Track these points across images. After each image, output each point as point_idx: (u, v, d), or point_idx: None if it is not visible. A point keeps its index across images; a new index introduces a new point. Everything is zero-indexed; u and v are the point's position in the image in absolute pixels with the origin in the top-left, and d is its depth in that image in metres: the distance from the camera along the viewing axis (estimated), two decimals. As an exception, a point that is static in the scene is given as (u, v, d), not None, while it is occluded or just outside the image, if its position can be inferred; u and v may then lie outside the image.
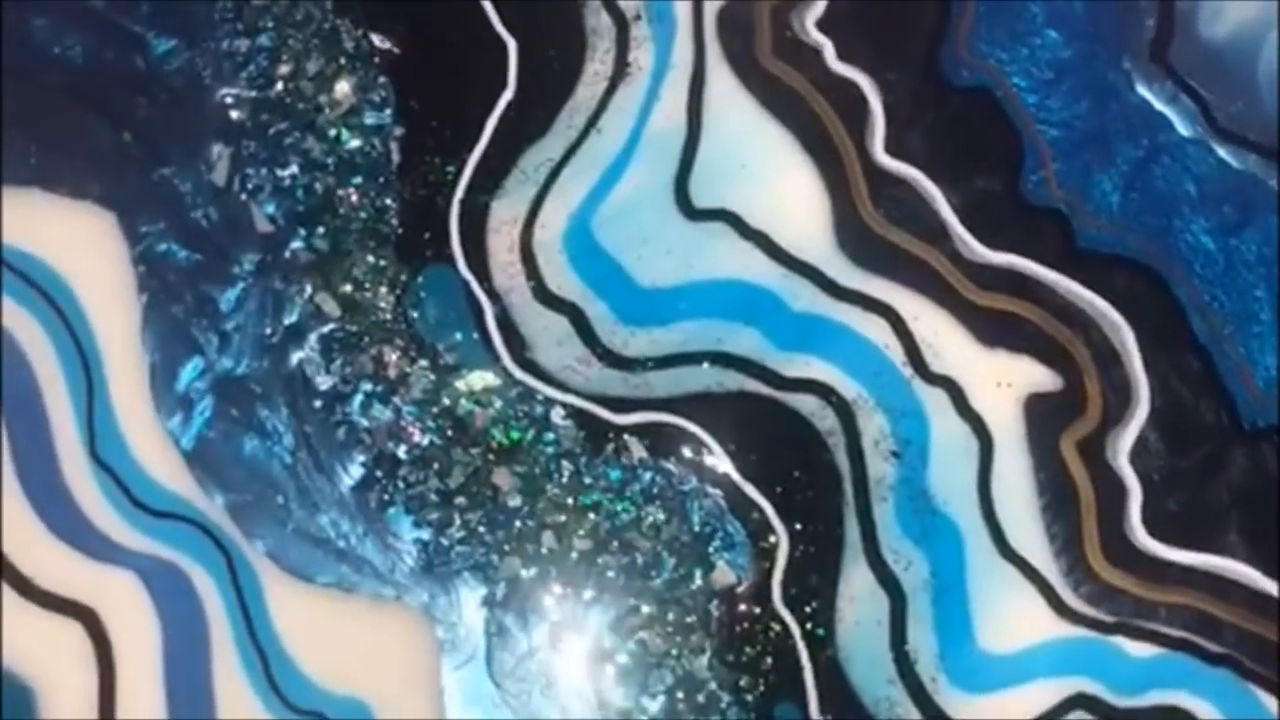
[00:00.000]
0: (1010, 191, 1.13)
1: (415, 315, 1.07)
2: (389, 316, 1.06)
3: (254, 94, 1.08)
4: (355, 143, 1.08)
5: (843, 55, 1.14)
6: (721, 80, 1.12)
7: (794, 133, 1.12)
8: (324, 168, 1.08)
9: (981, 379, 1.09)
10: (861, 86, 1.13)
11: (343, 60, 1.09)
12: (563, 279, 1.09)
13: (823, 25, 1.14)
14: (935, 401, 1.08)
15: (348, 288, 1.06)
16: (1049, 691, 1.05)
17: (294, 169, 1.08)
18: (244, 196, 1.07)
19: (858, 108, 1.13)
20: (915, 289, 1.10)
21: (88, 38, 1.08)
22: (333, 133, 1.08)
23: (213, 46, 1.09)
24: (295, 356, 1.05)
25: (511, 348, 1.07)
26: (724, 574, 1.03)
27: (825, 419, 1.08)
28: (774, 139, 1.12)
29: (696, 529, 1.04)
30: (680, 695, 1.02)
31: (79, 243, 1.04)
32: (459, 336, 1.07)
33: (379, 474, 1.04)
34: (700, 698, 1.02)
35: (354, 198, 1.07)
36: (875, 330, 1.09)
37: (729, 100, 1.12)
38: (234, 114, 1.08)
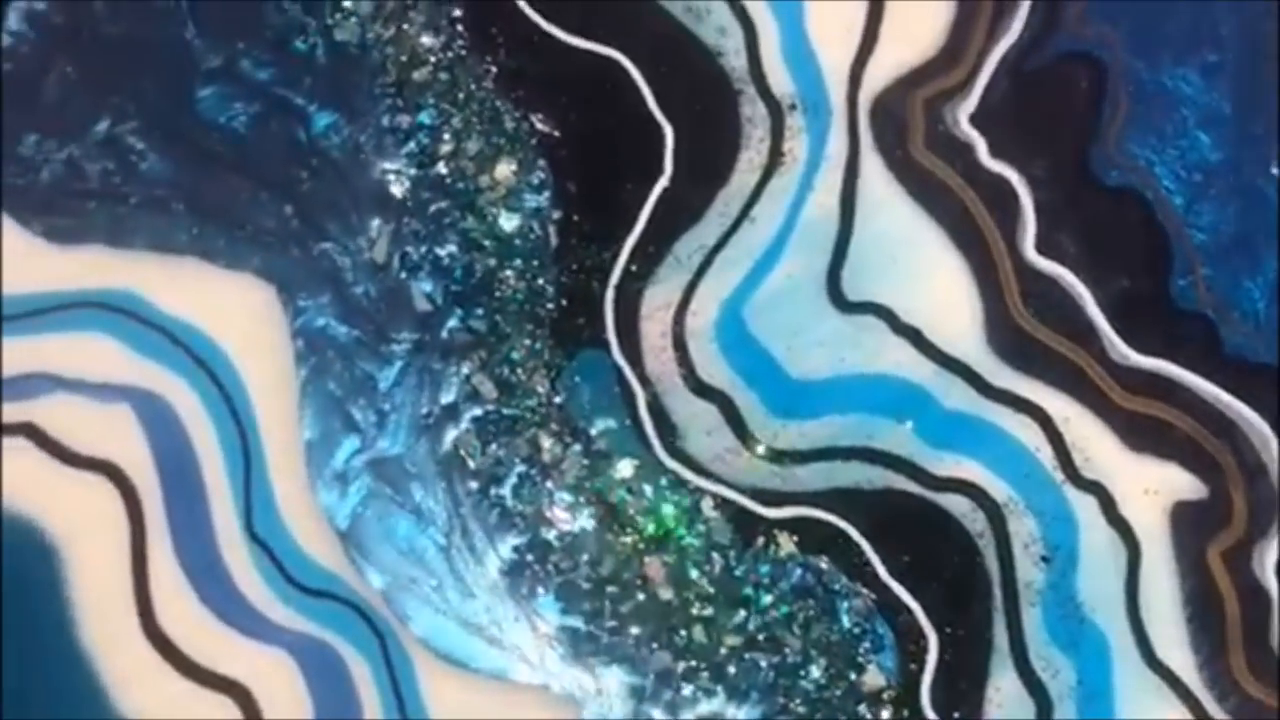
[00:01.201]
0: (1158, 294, 1.11)
1: (568, 399, 1.05)
2: (543, 400, 1.04)
3: (415, 171, 1.07)
4: (513, 224, 1.07)
5: (995, 151, 1.12)
6: (874, 172, 1.10)
7: (945, 227, 1.10)
8: (482, 248, 1.06)
9: (1130, 485, 1.06)
10: (1013, 183, 1.11)
11: (503, 141, 1.08)
12: (714, 367, 1.07)
13: (975, 120, 1.12)
14: (1084, 507, 1.06)
15: (504, 369, 1.04)
16: (1189, 804, 1.03)
17: (453, 248, 1.06)
18: (403, 274, 1.05)
19: (1009, 204, 1.11)
20: (1065, 390, 1.08)
21: (251, 109, 1.06)
22: (492, 213, 1.07)
23: (374, 122, 1.07)
24: (450, 437, 1.03)
25: (663, 435, 1.05)
26: (874, 677, 1.01)
27: (976, 520, 1.05)
28: (926, 233, 1.10)
29: (846, 629, 1.02)
30: (827, 794, 1.00)
31: (239, 315, 1.03)
32: (611, 422, 1.05)
33: (530, 559, 1.02)
34: (847, 798, 1.00)
35: (511, 279, 1.06)
36: (1026, 432, 1.07)
37: (881, 193, 1.10)
38: (394, 190, 1.07)
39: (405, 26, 1.08)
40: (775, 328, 1.07)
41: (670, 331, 1.07)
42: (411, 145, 1.07)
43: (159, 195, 1.04)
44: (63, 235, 1.03)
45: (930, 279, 1.09)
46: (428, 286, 1.05)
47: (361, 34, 1.07)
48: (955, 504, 1.06)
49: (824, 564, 1.03)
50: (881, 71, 1.12)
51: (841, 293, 1.08)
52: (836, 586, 1.03)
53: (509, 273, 1.06)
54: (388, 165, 1.07)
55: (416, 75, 1.07)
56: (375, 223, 1.06)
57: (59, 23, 1.05)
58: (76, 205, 1.03)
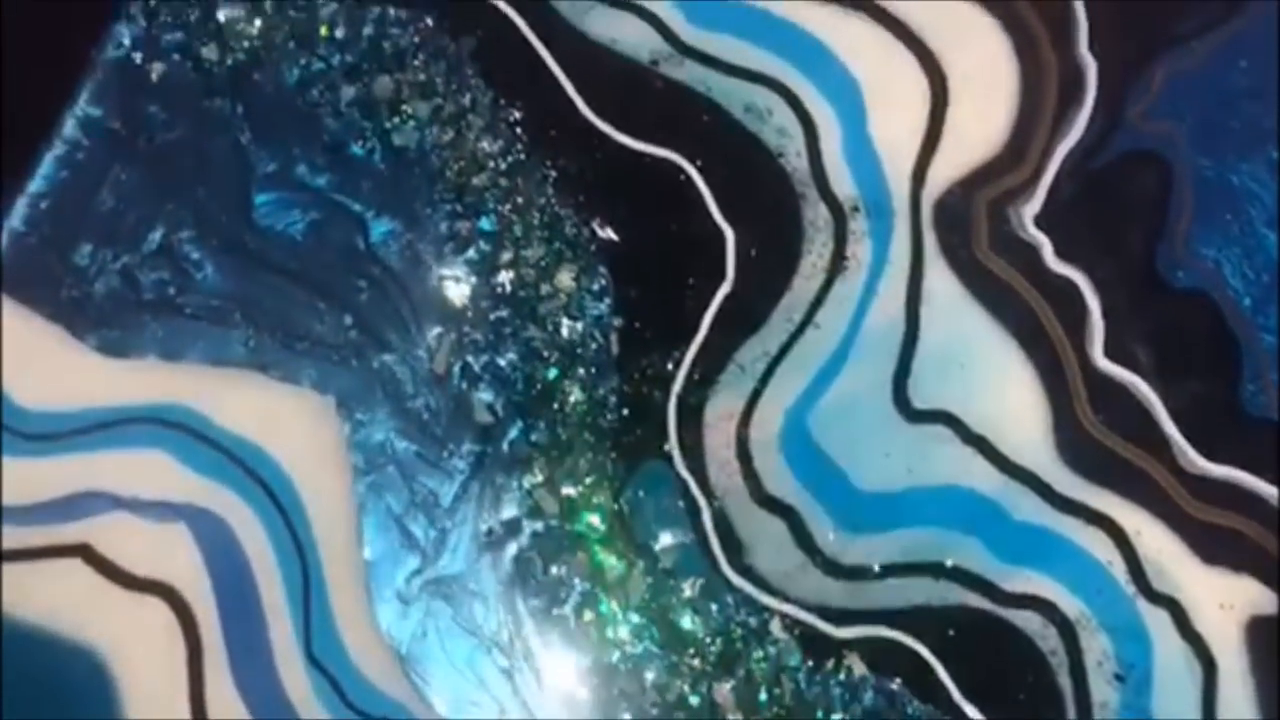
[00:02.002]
0: (1228, 399, 1.07)
1: (632, 514, 1.01)
2: (607, 515, 1.01)
3: (475, 279, 1.04)
4: (575, 333, 1.03)
5: (1060, 253, 1.09)
6: (939, 276, 1.07)
7: (1012, 332, 1.07)
8: (544, 357, 1.03)
9: (1203, 599, 1.03)
10: (1080, 286, 1.08)
11: (564, 247, 1.04)
12: (780, 480, 1.03)
13: (1040, 221, 1.09)
14: (1157, 622, 1.03)
15: (566, 483, 1.01)
16: None
17: (514, 357, 1.03)
18: (463, 385, 1.02)
19: (1076, 308, 1.08)
20: (1136, 500, 1.05)
21: (309, 216, 1.03)
22: (553, 322, 1.03)
23: (433, 228, 1.04)
24: (512, 555, 1.00)
25: (729, 552, 1.02)
26: (951, 804, 0.97)
27: (1048, 638, 1.02)
28: (992, 338, 1.07)
29: (920, 752, 0.98)
30: None
31: (296, 430, 1.00)
32: (676, 538, 1.02)
33: (595, 682, 0.98)
34: None
35: (573, 389, 1.02)
36: (1098, 545, 1.04)
37: (947, 297, 1.07)
38: (454, 299, 1.04)
39: (464, 130, 1.05)
40: (842, 438, 1.04)
41: (734, 442, 1.03)
42: (471, 252, 1.04)
43: (215, 306, 1.01)
44: (117, 348, 1.00)
45: (998, 386, 1.06)
46: (488, 397, 1.02)
47: (420, 138, 1.04)
48: (1027, 621, 1.02)
49: (896, 686, 1.00)
50: (945, 173, 1.09)
51: (908, 401, 1.05)
52: (909, 709, 0.99)
53: (571, 383, 1.03)
54: (447, 273, 1.04)
55: (476, 180, 1.04)
56: (435, 332, 1.03)
57: (115, 129, 1.02)
58: (131, 317, 1.00)
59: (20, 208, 1.00)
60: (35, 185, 1.01)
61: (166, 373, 0.99)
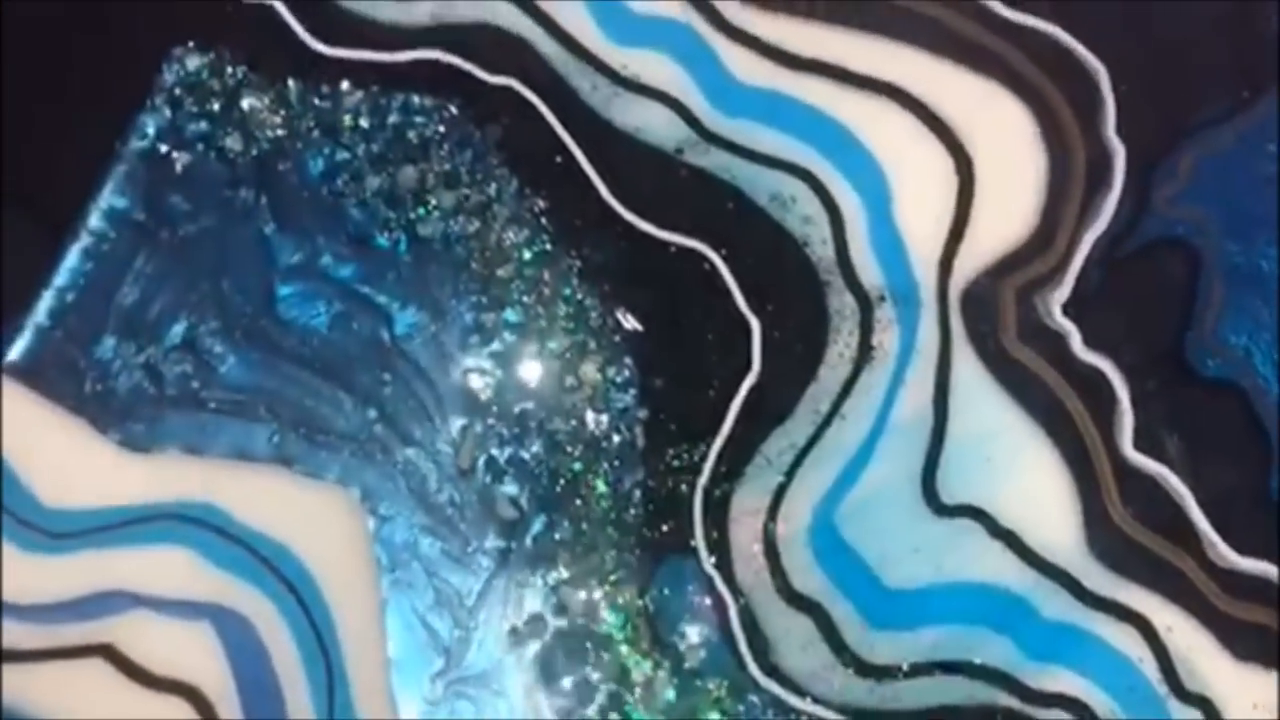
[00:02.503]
0: (1259, 491, 1.06)
1: (657, 611, 1.00)
2: (632, 612, 0.99)
3: (499, 371, 1.02)
4: (600, 425, 1.02)
5: (1089, 341, 1.07)
6: (967, 366, 1.06)
7: (1040, 423, 1.05)
8: (568, 450, 1.01)
9: (1236, 698, 1.01)
10: (1108, 376, 1.06)
11: (588, 339, 1.03)
12: (807, 576, 1.02)
13: (1068, 309, 1.07)
14: (1190, 722, 1.01)
15: (591, 580, 0.99)
16: None
17: (538, 450, 1.01)
18: (488, 479, 1.00)
19: (1105, 398, 1.06)
20: (1166, 596, 1.03)
21: (333, 308, 1.02)
22: (578, 414, 1.02)
23: (458, 320, 1.03)
24: (536, 653, 0.98)
25: (756, 650, 1.00)
26: None
27: (1078, 738, 1.00)
28: (1021, 429, 1.05)
29: None
30: None
31: (320, 526, 0.98)
32: (702, 636, 1.00)
33: (622, 786, 0.97)
34: None
35: (598, 483, 1.01)
36: (1128, 642, 1.02)
37: (974, 388, 1.05)
38: (479, 391, 1.02)
39: (489, 221, 1.04)
40: (870, 533, 1.02)
41: (761, 537, 1.02)
42: (496, 344, 1.03)
43: (238, 400, 1.00)
44: (140, 443, 0.99)
45: (1026, 478, 1.04)
46: (513, 491, 1.01)
47: (445, 229, 1.03)
48: (1058, 721, 1.00)
49: (927, 790, 0.98)
50: (972, 260, 1.07)
51: (936, 495, 1.03)
52: (939, 812, 0.97)
53: (595, 476, 1.01)
54: (472, 365, 1.03)
55: (501, 271, 1.03)
56: (459, 425, 1.01)
57: (139, 220, 1.01)
58: (154, 411, 0.99)
59: (45, 301, 0.99)
60: (60, 278, 1.00)
61: (189, 468, 0.98)
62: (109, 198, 1.02)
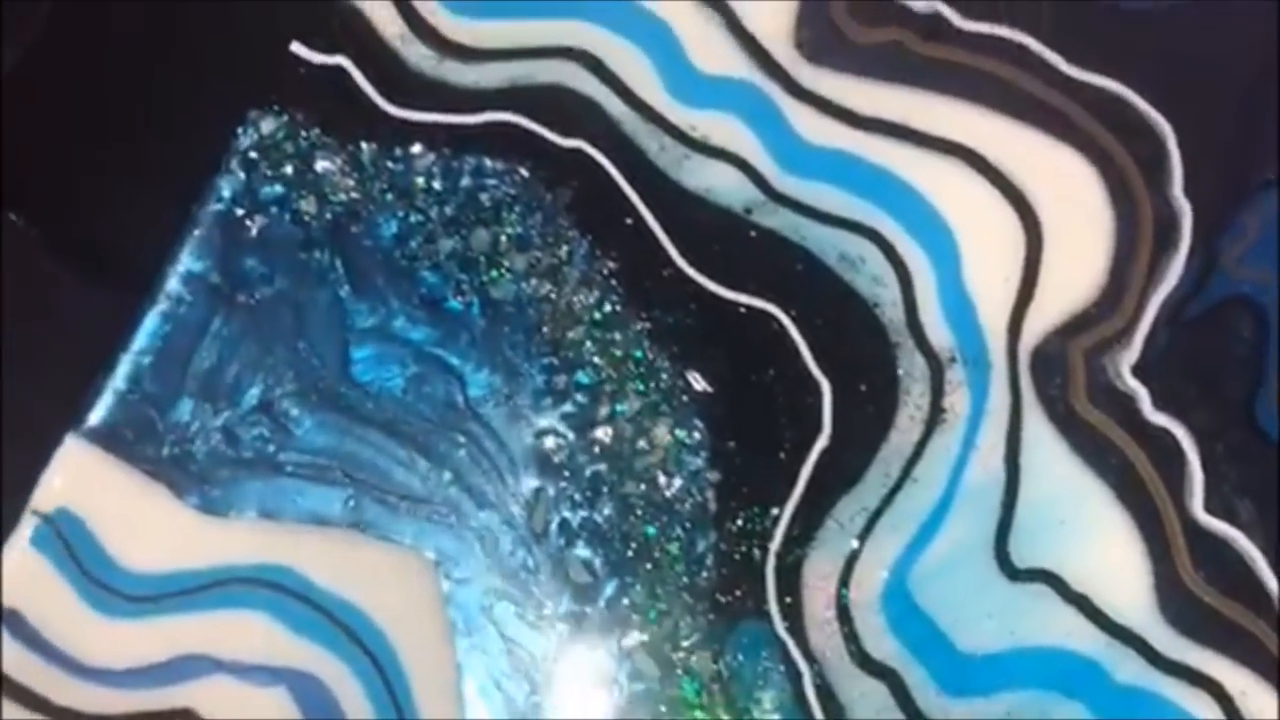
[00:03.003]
0: (1330, 554, 1.05)
1: (730, 677, 0.99)
2: (704, 679, 0.98)
3: (572, 434, 1.02)
4: (672, 488, 1.01)
5: (1158, 403, 1.06)
6: (1037, 428, 1.05)
7: (1111, 485, 1.05)
8: (641, 514, 1.01)
9: (1311, 764, 1.00)
10: (1178, 437, 1.05)
11: (660, 401, 1.03)
12: (881, 641, 1.01)
13: (1137, 370, 1.07)
14: (1265, 788, 0.99)
15: (664, 645, 0.99)
16: None
17: (611, 513, 1.01)
18: (561, 542, 1.00)
19: (1175, 460, 1.05)
20: (1240, 660, 1.02)
21: (408, 371, 1.02)
22: (650, 477, 1.01)
23: (531, 382, 1.03)
24: (610, 717, 0.98)
25: (829, 716, 0.99)
26: None
27: (1154, 804, 0.99)
28: (1091, 492, 1.04)
29: None
30: None
31: (395, 590, 0.98)
32: (775, 703, 0.99)
33: None
34: None
35: (671, 547, 1.00)
36: (1201, 706, 1.01)
37: (1046, 450, 1.05)
38: (552, 454, 1.02)
39: (560, 283, 1.04)
40: (943, 598, 1.01)
41: (834, 602, 1.01)
42: (568, 406, 1.02)
43: (314, 463, 1.00)
44: (217, 507, 0.99)
45: (1098, 542, 1.03)
46: (586, 554, 1.00)
47: (517, 291, 1.03)
48: (1133, 788, 0.99)
49: None
50: (1041, 321, 1.07)
51: (1009, 559, 1.03)
52: None
53: (668, 540, 1.01)
54: (544, 427, 1.02)
55: (572, 334, 1.03)
56: (532, 488, 1.01)
57: (215, 283, 1.01)
58: (231, 475, 0.99)
59: (124, 365, 0.99)
60: (138, 342, 1.00)
61: (266, 532, 0.98)
62: (186, 262, 1.02)
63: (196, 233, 1.03)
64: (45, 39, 1.08)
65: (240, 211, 1.04)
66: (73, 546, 0.97)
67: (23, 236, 1.05)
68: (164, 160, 1.05)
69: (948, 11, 1.13)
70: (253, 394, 1.01)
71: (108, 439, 0.99)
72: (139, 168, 1.04)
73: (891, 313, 1.06)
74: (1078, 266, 1.08)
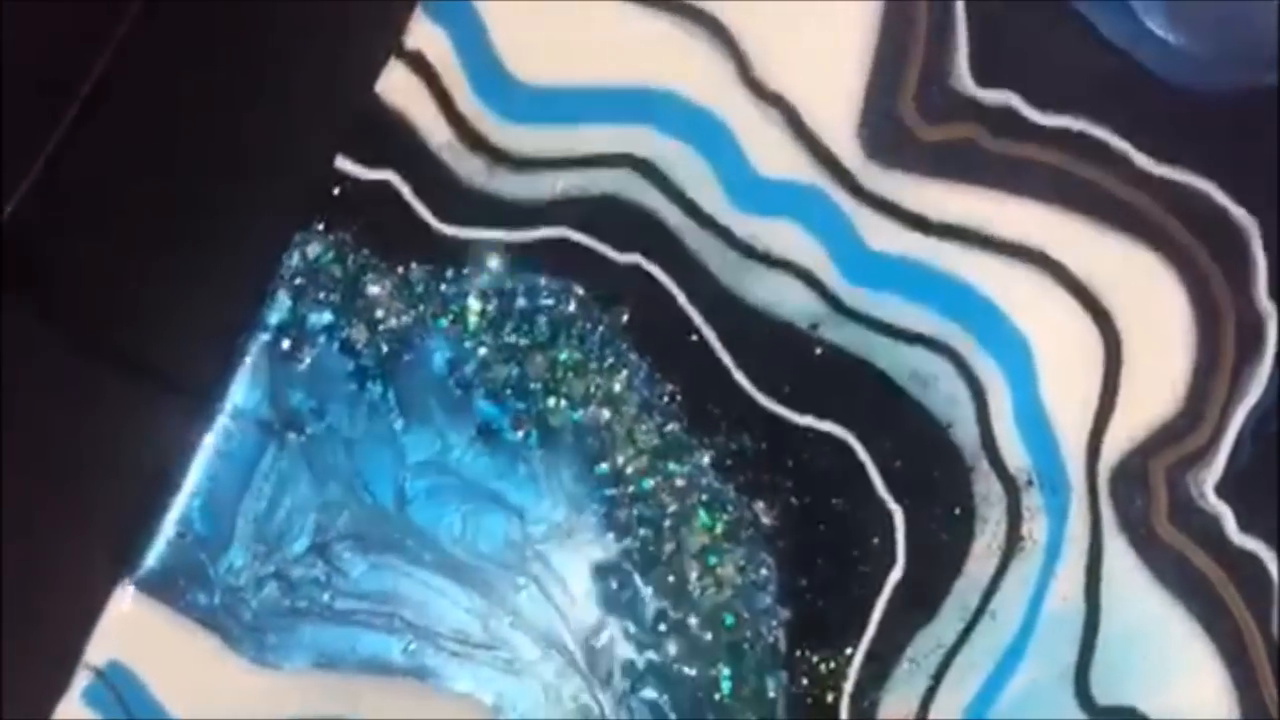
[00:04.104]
0: None
1: (805, 829, 0.95)
2: (777, 831, 0.95)
3: (635, 571, 0.97)
4: (740, 627, 0.97)
5: (1243, 524, 1.01)
6: (1118, 554, 1.00)
7: (1194, 613, 1.00)
8: (708, 655, 0.96)
9: None
10: (1264, 561, 1.00)
11: (726, 534, 0.97)
12: (959, 784, 0.97)
13: (1221, 490, 1.01)
14: None
15: (735, 794, 0.95)
16: None
17: (677, 653, 0.96)
18: (627, 685, 0.96)
19: (1261, 584, 1.00)
20: (1329, 795, 0.97)
21: (465, 506, 0.98)
22: (717, 616, 0.97)
23: (591, 517, 0.98)
24: None
25: None
26: None
27: None
28: (1174, 620, 1.00)
29: None
30: None
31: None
32: None
33: None
34: None
35: (742, 690, 0.96)
36: None
37: (1127, 577, 1.00)
38: (615, 590, 0.97)
39: (621, 409, 0.98)
40: (1022, 738, 0.97)
41: (911, 745, 0.97)
42: (629, 540, 0.97)
43: (370, 609, 0.95)
44: (271, 657, 0.95)
45: (1181, 674, 0.99)
46: (653, 695, 0.96)
47: (575, 420, 0.98)
48: None
49: None
50: (1121, 438, 1.01)
51: (1090, 695, 0.98)
52: None
53: (738, 682, 0.96)
54: (606, 562, 0.97)
55: (633, 465, 0.98)
56: (594, 627, 0.96)
57: (266, 419, 0.97)
58: (284, 623, 0.95)
59: (175, 509, 0.95)
60: (189, 482, 0.96)
61: (322, 683, 0.94)
62: (234, 395, 0.97)
63: (244, 364, 0.98)
64: (79, 148, 1.03)
65: (288, 341, 0.98)
66: (126, 701, 0.93)
67: (65, 358, 1.01)
68: (209, 285, 1.00)
69: (1020, 104, 1.06)
70: (305, 536, 0.96)
71: (159, 587, 0.95)
72: (184, 297, 0.99)
73: (966, 433, 1.01)
74: (1158, 378, 1.02)
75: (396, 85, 1.02)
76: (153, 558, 0.95)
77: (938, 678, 0.98)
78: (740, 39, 1.05)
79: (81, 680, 0.93)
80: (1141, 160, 1.05)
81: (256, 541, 0.96)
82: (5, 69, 1.03)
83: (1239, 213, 1.03)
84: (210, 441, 0.97)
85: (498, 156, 1.02)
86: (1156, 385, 1.02)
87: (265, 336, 0.99)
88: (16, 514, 0.97)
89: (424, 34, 1.03)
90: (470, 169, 1.01)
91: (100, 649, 0.93)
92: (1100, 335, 1.03)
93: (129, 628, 0.94)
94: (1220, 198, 1.05)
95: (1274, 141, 1.05)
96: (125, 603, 0.94)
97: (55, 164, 1.03)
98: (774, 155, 1.03)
